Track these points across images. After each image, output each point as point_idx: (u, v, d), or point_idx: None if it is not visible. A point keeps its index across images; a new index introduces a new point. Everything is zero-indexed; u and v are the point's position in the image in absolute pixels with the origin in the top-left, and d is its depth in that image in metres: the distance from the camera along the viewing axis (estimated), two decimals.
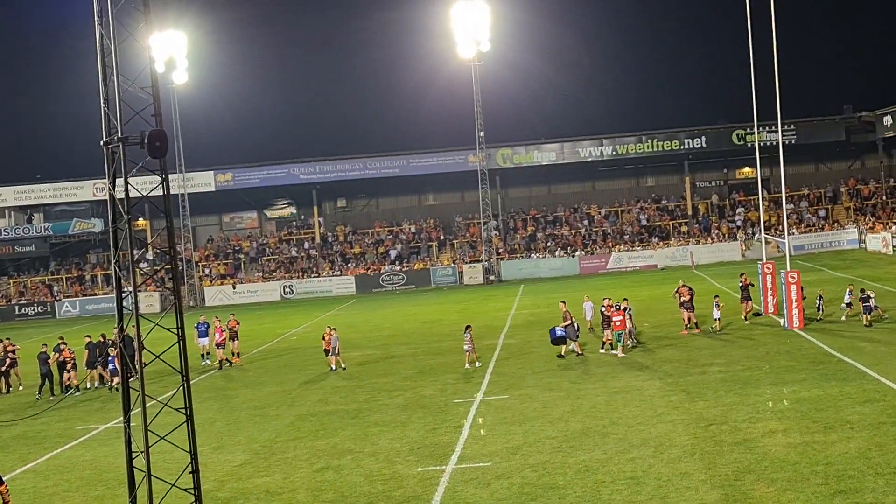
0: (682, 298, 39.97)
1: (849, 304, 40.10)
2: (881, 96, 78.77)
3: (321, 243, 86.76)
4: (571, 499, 19.45)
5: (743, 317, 41.27)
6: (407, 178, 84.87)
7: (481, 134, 77.92)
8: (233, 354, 42.58)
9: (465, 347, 36.43)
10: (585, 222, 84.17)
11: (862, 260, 66.52)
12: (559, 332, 36.35)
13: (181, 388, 17.05)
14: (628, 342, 36.73)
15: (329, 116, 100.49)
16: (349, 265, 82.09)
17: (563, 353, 36.12)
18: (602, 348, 36.89)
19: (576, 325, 37.45)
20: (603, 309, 37.85)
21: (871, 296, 38.64)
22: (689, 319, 39.72)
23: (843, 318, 39.54)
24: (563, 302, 38.52)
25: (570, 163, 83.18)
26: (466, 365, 36.16)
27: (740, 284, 42.12)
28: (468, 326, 37.08)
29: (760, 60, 42.37)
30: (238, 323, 43.47)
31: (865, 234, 73.96)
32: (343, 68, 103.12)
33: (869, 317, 37.90)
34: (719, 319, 39.68)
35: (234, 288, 79.97)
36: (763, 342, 35.93)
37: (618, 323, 35.88)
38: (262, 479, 22.91)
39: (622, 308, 36.75)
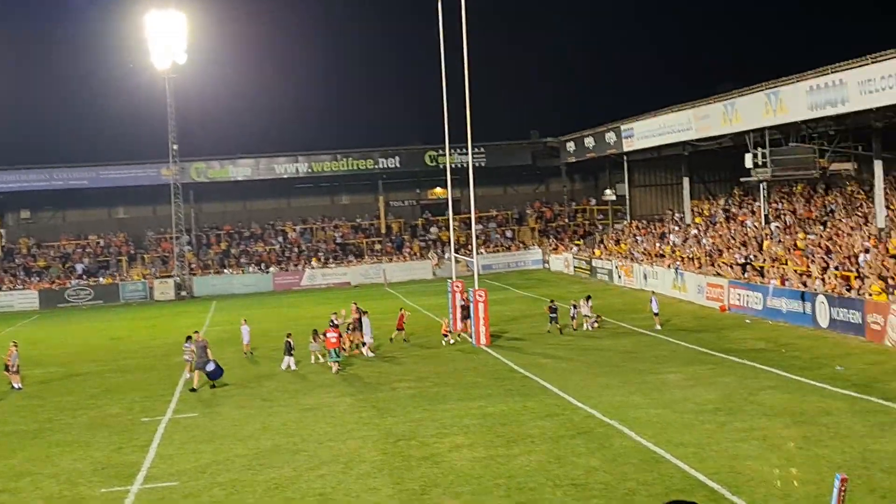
0: (348, 319, 40.15)
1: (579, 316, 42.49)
2: (565, 124, 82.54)
3: (2, 256, 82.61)
4: None
5: (453, 334, 41.27)
6: (96, 191, 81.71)
7: (175, 147, 76.18)
8: None
9: (186, 358, 35.70)
10: (280, 239, 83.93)
11: (545, 279, 69.35)
12: (211, 367, 34.13)
13: None
14: (587, 326, 41.20)
15: (12, 123, 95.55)
16: (33, 279, 78.49)
17: (195, 386, 33.83)
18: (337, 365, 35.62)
19: (290, 342, 36.95)
20: (332, 319, 37.96)
21: (557, 307, 41.73)
22: (352, 341, 39.46)
23: (588, 327, 41.76)
24: (197, 332, 37.85)
25: (266, 179, 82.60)
26: (186, 374, 35.35)
27: (461, 304, 41.93)
28: (189, 337, 36.18)
29: (453, 85, 43.46)
30: None
31: (549, 255, 77.25)
32: (28, 73, 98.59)
33: (558, 325, 41.00)
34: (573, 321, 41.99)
35: None
36: (452, 358, 36.88)
37: (332, 340, 35.78)
38: None
39: (337, 325, 37.23)
